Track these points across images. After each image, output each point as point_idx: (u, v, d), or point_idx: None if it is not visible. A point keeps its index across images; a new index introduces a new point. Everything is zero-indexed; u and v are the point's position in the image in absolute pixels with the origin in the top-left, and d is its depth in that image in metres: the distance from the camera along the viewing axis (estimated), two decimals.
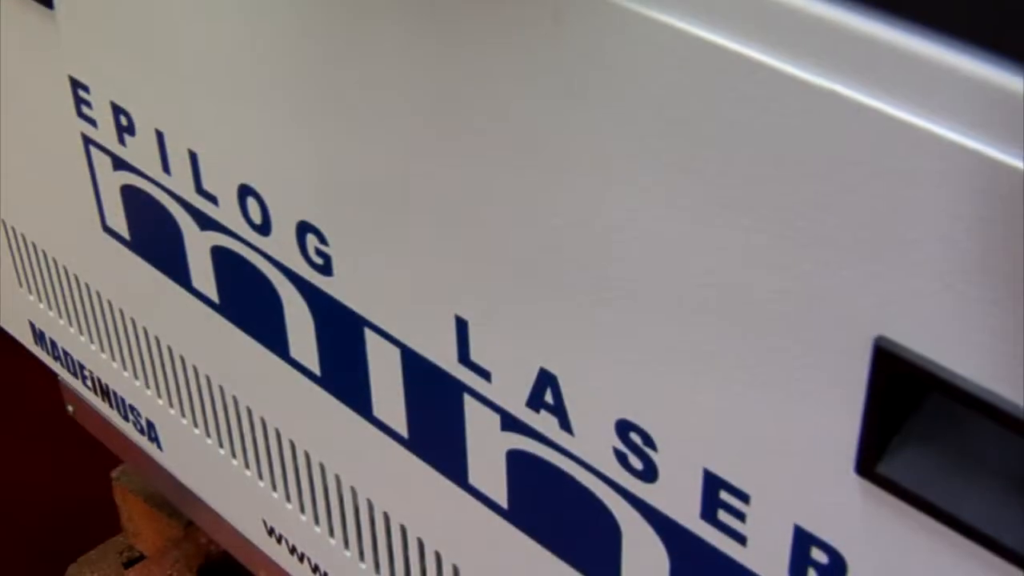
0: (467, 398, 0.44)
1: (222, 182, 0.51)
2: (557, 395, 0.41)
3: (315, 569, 0.60)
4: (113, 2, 0.52)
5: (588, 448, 0.41)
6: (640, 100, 0.34)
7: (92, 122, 0.56)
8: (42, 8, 0.55)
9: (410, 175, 0.42)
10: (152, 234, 0.57)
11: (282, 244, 0.49)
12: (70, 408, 0.80)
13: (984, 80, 0.27)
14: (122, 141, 0.55)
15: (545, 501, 0.44)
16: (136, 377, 0.65)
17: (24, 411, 1.01)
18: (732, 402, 0.36)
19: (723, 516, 0.38)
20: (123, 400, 0.68)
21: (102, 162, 0.57)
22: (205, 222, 0.53)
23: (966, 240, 0.29)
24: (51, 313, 0.70)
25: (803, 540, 0.36)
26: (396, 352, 0.47)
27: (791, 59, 0.30)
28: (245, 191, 0.50)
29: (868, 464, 0.33)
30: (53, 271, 0.68)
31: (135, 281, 0.60)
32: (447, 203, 0.41)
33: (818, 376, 0.33)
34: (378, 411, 0.49)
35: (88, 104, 0.56)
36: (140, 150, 0.54)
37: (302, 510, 0.58)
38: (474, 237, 0.41)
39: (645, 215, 0.35)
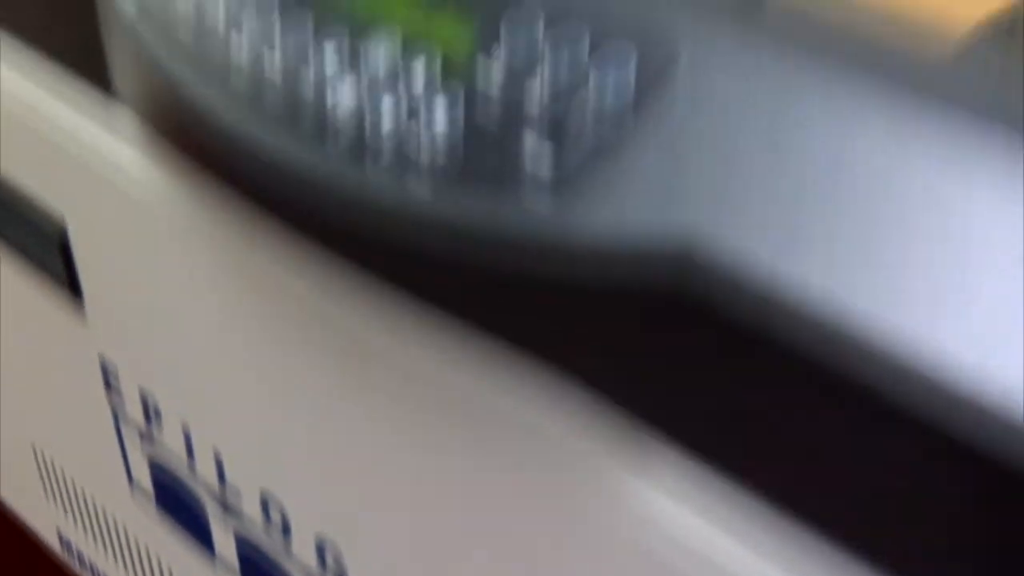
0: None
1: (245, 482, 0.55)
2: None
3: None
4: (141, 297, 0.56)
5: None
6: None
7: (121, 400, 0.61)
8: (70, 295, 0.60)
9: (419, 511, 0.47)
10: (179, 504, 0.61)
11: (301, 550, 0.54)
12: None
13: None
14: (149, 423, 0.59)
15: None
16: None
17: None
18: None
19: None
20: None
21: (131, 435, 0.62)
22: (229, 509, 0.57)
23: None
24: (77, 529, 0.74)
25: None
26: None
27: None
28: (267, 495, 0.54)
29: None
30: (80, 498, 0.72)
31: (161, 531, 0.64)
32: (454, 537, 0.46)
33: None
34: None
35: (117, 383, 0.60)
36: (166, 435, 0.59)
37: None
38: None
39: None
